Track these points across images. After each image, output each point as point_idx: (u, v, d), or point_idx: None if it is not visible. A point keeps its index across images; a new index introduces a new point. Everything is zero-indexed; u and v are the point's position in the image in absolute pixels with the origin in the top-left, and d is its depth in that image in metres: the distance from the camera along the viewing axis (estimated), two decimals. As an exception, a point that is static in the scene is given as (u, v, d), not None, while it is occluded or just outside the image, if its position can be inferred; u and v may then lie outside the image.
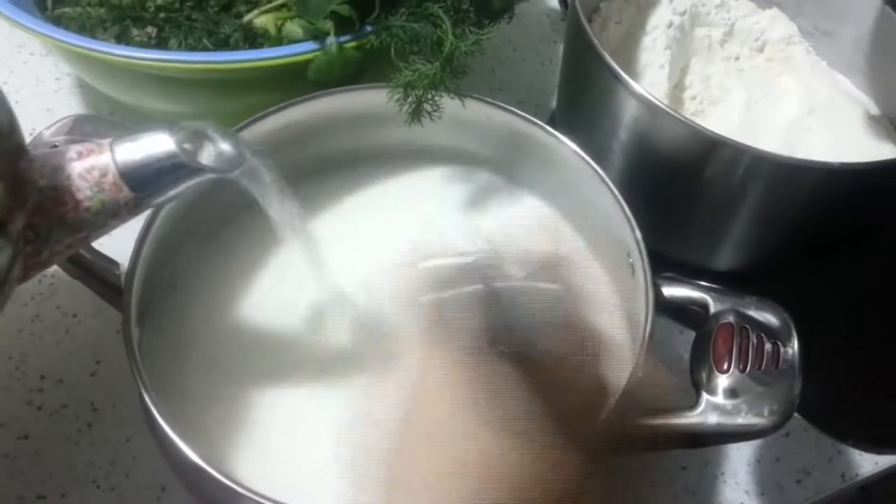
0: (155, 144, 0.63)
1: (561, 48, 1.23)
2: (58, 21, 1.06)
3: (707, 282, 0.82)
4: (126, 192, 0.63)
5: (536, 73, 1.28)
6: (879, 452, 0.97)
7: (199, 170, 0.66)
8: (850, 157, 0.89)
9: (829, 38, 1.15)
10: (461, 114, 0.90)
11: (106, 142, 0.63)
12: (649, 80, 1.05)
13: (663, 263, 0.81)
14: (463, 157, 0.98)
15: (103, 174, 0.62)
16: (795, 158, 0.87)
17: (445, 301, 0.57)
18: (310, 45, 0.93)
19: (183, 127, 0.65)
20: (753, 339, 0.76)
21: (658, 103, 0.87)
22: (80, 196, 0.61)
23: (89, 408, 0.93)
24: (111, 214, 0.63)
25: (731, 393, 0.74)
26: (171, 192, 0.66)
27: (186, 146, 0.64)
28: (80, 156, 0.62)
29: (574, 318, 0.62)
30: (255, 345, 0.86)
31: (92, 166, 0.62)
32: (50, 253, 0.63)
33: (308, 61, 0.93)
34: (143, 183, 0.64)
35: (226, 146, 0.67)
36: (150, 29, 1.05)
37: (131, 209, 0.64)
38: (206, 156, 0.66)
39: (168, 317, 0.86)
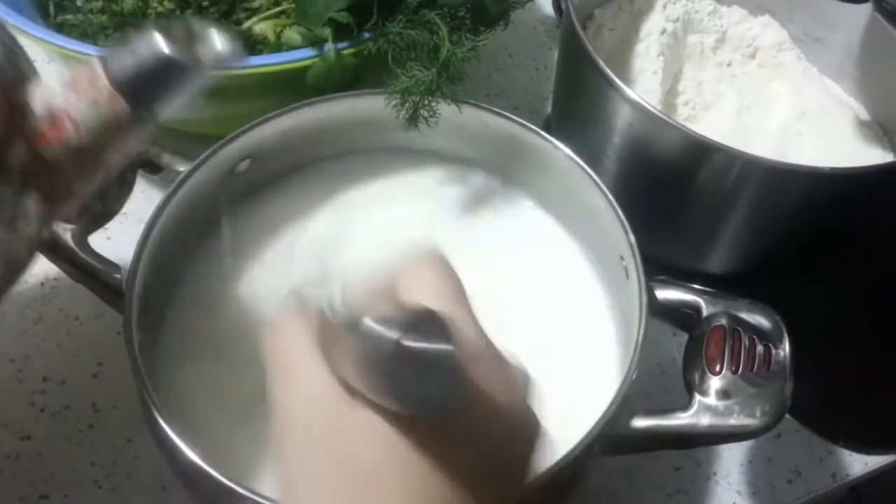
0: (146, 47, 0.59)
1: (556, 54, 1.23)
2: (60, 28, 1.06)
3: (700, 285, 0.82)
4: (122, 104, 0.59)
5: (531, 78, 1.29)
6: (869, 453, 0.97)
7: (196, 68, 0.61)
8: (841, 162, 0.89)
9: (819, 44, 1.15)
10: (457, 119, 0.90)
11: (96, 56, 0.61)
12: (643, 85, 1.05)
13: (656, 266, 0.82)
14: (459, 161, 0.98)
15: (97, 89, 0.59)
16: (786, 163, 0.87)
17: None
18: (308, 52, 0.93)
19: (173, 25, 0.60)
20: (745, 341, 0.77)
21: (651, 109, 0.88)
22: (78, 116, 0.58)
23: (91, 409, 0.93)
24: (114, 130, 0.60)
25: (724, 394, 0.74)
26: (170, 98, 0.62)
27: (178, 45, 0.59)
28: (73, 78, 0.60)
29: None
30: (256, 345, 0.86)
31: (84, 84, 0.59)
32: (66, 185, 0.61)
33: (306, 67, 0.93)
34: (138, 91, 0.60)
35: (221, 40, 0.62)
36: (151, 35, 1.05)
37: (133, 123, 0.61)
38: (202, 52, 0.61)
39: (168, 318, 0.86)
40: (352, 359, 0.47)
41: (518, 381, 0.55)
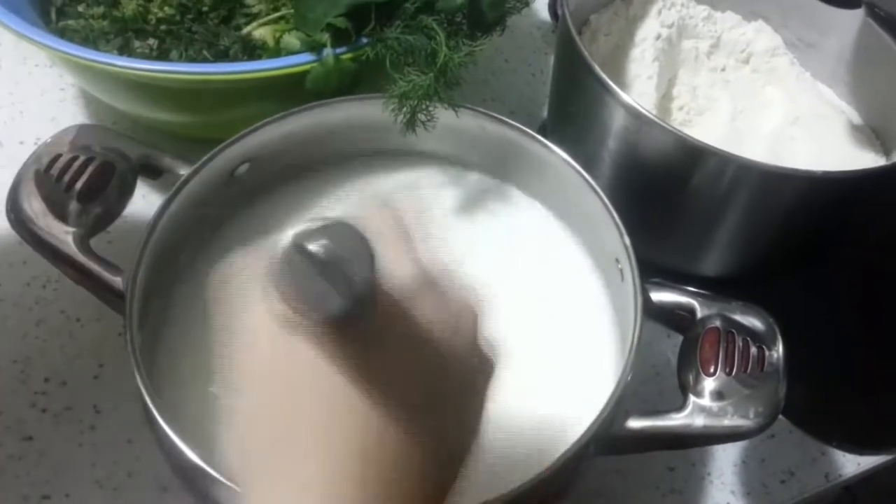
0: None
1: (552, 59, 1.23)
2: (62, 33, 1.06)
3: (694, 287, 0.82)
4: None
5: (528, 83, 1.29)
6: (862, 453, 0.97)
7: None
8: (834, 166, 0.89)
9: (812, 49, 1.15)
10: (455, 123, 0.90)
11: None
12: (638, 90, 1.05)
13: (652, 269, 0.82)
14: (457, 164, 0.98)
15: None
16: (780, 167, 0.87)
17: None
18: (307, 57, 0.93)
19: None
20: (739, 342, 0.77)
21: (646, 113, 0.88)
22: None
23: (92, 410, 0.93)
24: None
25: (718, 395, 0.74)
26: None
27: None
28: None
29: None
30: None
31: None
32: None
33: (305, 72, 0.93)
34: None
35: None
36: (151, 41, 1.06)
37: None
38: None
39: (169, 320, 0.86)
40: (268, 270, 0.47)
41: (464, 317, 0.56)
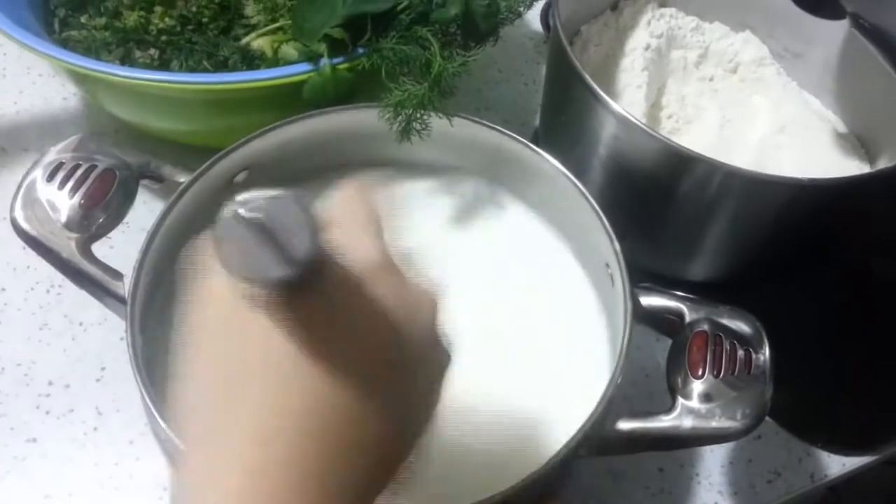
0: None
1: (543, 69, 1.24)
2: (65, 44, 1.06)
3: (683, 292, 0.82)
4: None
5: (520, 93, 1.29)
6: (847, 454, 0.97)
7: None
8: (819, 173, 0.89)
9: (799, 59, 1.15)
10: (449, 131, 0.90)
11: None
12: (628, 99, 1.05)
13: (641, 274, 0.82)
14: (451, 171, 0.98)
15: None
16: (766, 174, 0.88)
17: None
18: (304, 67, 0.94)
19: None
20: (727, 346, 0.77)
21: (636, 122, 0.88)
22: None
23: (95, 412, 0.93)
24: None
25: (706, 397, 0.74)
26: None
27: None
28: None
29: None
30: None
31: None
32: None
33: (303, 82, 0.93)
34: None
35: None
36: (152, 51, 1.06)
37: None
38: None
39: (170, 324, 0.86)
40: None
41: (423, 306, 0.55)
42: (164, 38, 1.06)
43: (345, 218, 0.52)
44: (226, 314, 0.49)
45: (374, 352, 0.50)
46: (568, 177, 0.86)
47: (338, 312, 0.49)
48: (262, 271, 0.44)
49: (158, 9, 1.08)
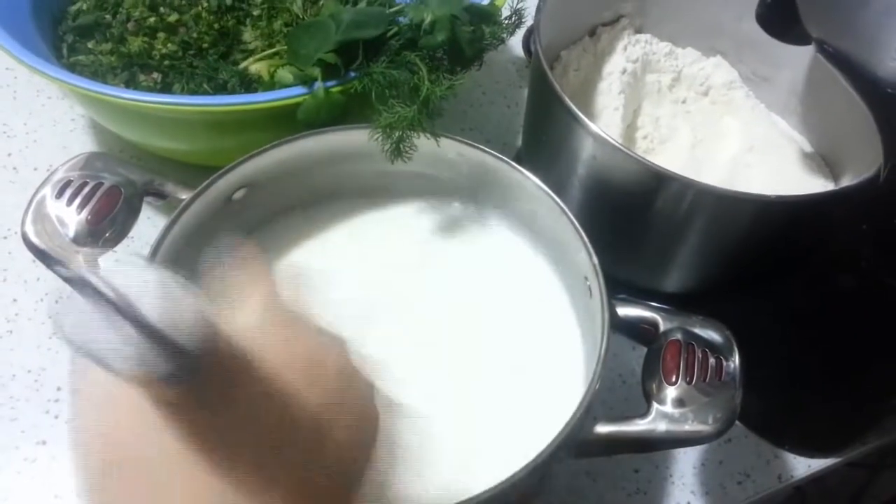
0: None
1: (525, 92, 1.24)
2: (73, 68, 1.07)
3: (657, 302, 0.82)
4: None
5: (503, 114, 1.29)
6: (812, 456, 0.97)
7: None
8: (786, 191, 0.89)
9: (766, 83, 1.16)
10: (436, 151, 0.91)
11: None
12: (605, 121, 1.06)
13: (618, 286, 0.82)
14: (437, 190, 0.98)
15: None
16: (736, 192, 0.88)
17: None
18: (299, 90, 0.94)
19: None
20: (699, 354, 0.77)
21: (613, 142, 0.88)
22: None
23: (100, 417, 0.93)
24: None
25: (679, 403, 0.74)
26: None
27: None
28: None
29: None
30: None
31: None
32: None
33: (298, 104, 0.93)
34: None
35: None
36: (155, 75, 1.06)
37: None
38: None
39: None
40: None
41: (330, 351, 0.51)
42: (166, 62, 1.07)
43: (236, 283, 0.49)
44: (102, 417, 0.46)
45: (269, 432, 0.46)
46: (549, 194, 0.86)
47: (221, 399, 0.44)
48: (117, 360, 0.38)
49: (161, 35, 1.08)
